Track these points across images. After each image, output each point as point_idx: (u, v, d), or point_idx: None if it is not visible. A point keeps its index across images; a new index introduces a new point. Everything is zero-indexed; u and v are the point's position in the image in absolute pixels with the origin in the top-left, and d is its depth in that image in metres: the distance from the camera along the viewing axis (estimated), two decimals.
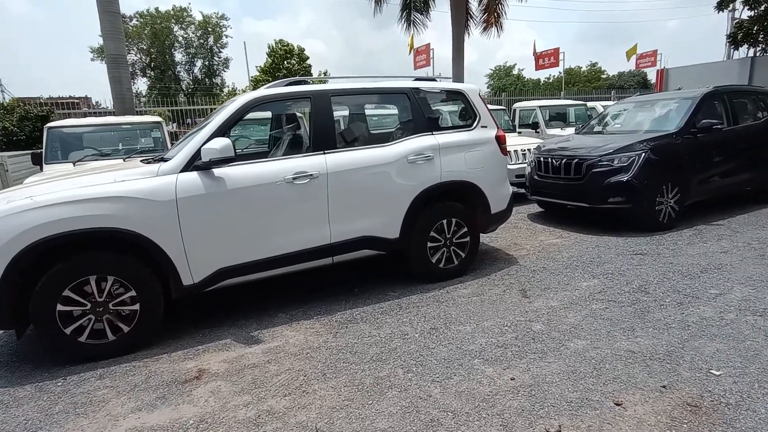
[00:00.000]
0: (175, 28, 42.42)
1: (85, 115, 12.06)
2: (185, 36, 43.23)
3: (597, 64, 53.31)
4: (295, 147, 3.72)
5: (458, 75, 13.19)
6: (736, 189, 5.90)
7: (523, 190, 6.46)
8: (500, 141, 4.00)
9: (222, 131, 3.00)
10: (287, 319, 3.22)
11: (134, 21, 40.72)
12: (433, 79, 3.94)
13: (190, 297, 3.07)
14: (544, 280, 3.73)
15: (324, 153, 3.26)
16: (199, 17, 42.33)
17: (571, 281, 3.66)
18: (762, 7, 13.25)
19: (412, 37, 15.56)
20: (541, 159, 5.73)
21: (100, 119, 6.22)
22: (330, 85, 3.47)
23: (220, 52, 44.39)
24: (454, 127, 3.88)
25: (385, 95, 3.80)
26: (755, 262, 3.90)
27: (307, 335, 2.95)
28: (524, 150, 7.22)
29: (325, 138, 3.31)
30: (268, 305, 3.47)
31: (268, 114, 8.31)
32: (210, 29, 43.16)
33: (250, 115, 6.07)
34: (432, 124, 3.71)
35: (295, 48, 39.07)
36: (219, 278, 3.00)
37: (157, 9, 41.33)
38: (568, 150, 5.54)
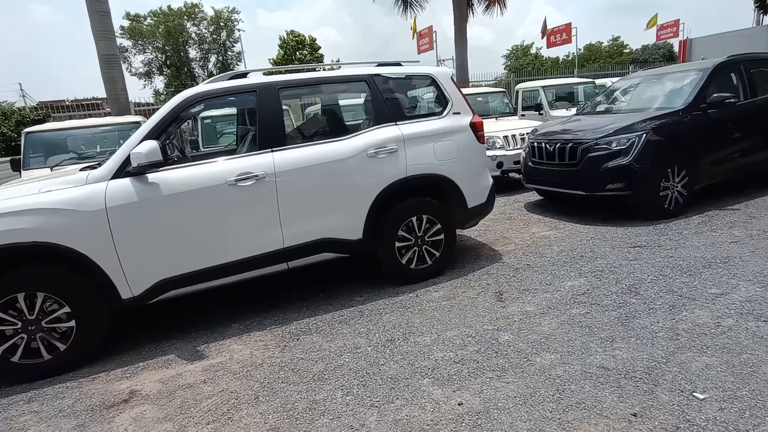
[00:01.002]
0: (188, 25, 42.73)
1: (104, 115, 12.12)
2: (198, 32, 43.54)
3: (619, 38, 50.82)
4: (252, 145, 3.47)
5: (461, 57, 12.65)
6: (756, 169, 5.34)
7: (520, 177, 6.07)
8: (476, 128, 3.65)
9: (155, 133, 2.77)
10: (239, 330, 3.01)
11: (148, 20, 41.18)
12: (398, 64, 3.60)
13: (141, 308, 2.90)
14: (525, 279, 3.40)
15: (272, 151, 3.00)
16: (210, 12, 42.41)
17: (555, 281, 3.32)
18: None
19: (415, 21, 15.01)
20: (535, 144, 5.32)
21: (79, 122, 6.14)
22: (278, 77, 3.19)
23: (232, 46, 44.61)
24: (422, 116, 3.54)
25: (342, 84, 3.49)
26: None
27: (253, 349, 2.73)
28: (522, 135, 6.77)
29: (273, 135, 3.05)
30: (226, 314, 3.28)
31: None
32: (222, 24, 43.28)
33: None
34: (396, 114, 3.39)
35: (307, 38, 38.83)
36: (162, 290, 2.81)
37: (169, 7, 41.63)
38: (562, 133, 5.11)
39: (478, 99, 7.86)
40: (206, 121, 7.18)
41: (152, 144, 2.61)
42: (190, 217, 2.79)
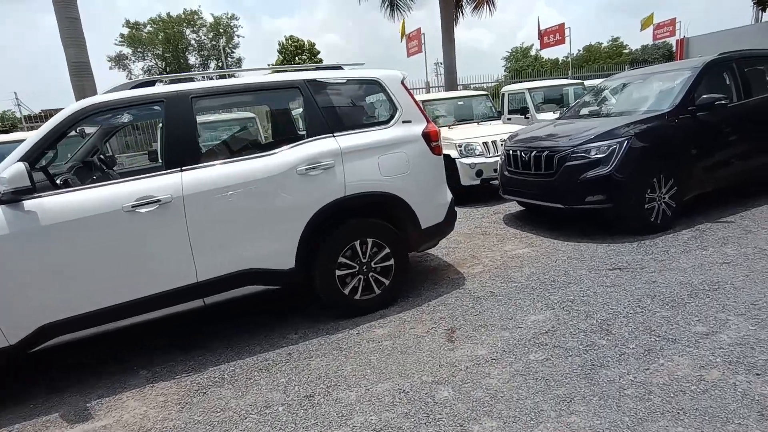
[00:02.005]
0: (187, 32, 42.89)
1: None
2: (197, 39, 43.74)
3: (619, 39, 50.44)
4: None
5: (449, 58, 12.25)
6: (752, 176, 4.89)
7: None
8: (430, 138, 3.22)
9: (33, 154, 2.37)
10: (145, 379, 2.59)
11: (148, 27, 41.27)
12: (339, 67, 3.19)
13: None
14: (484, 312, 2.96)
15: (180, 170, 2.59)
16: (210, 19, 42.52)
17: (518, 314, 2.88)
18: None
19: (403, 23, 14.64)
20: (510, 152, 4.89)
21: (24, 134, 5.77)
22: (191, 85, 2.78)
23: (232, 52, 44.73)
24: (365, 125, 3.12)
25: (270, 92, 3.08)
26: (765, 277, 3.01)
27: (149, 407, 2.31)
28: (503, 140, 6.35)
29: (184, 151, 2.63)
30: (143, 354, 2.86)
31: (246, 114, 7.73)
32: (221, 30, 43.38)
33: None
34: (333, 124, 2.97)
35: (306, 43, 38.83)
36: (46, 336, 2.39)
37: (168, 14, 41.87)
38: (539, 140, 4.68)
39: (459, 103, 7.45)
40: None
41: (18, 168, 2.19)
42: (77, 250, 2.38)
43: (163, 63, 42.42)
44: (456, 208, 3.45)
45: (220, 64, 43.94)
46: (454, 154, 6.23)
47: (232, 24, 43.92)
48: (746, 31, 15.74)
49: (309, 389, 2.31)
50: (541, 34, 16.97)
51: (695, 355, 2.22)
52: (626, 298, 2.92)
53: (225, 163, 2.71)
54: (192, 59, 43.72)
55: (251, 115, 6.95)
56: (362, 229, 3.03)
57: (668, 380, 2.06)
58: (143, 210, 2.46)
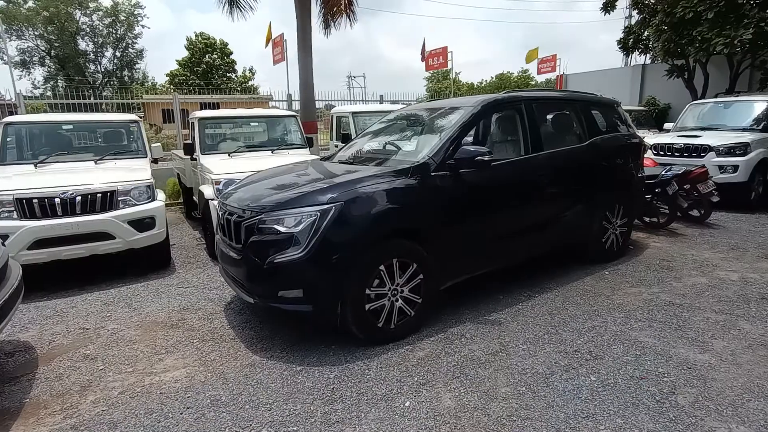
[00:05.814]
0: (78, 14, 37.92)
1: None
2: (90, 23, 38.83)
3: (527, 71, 53.97)
4: None
5: (305, 69, 10.74)
6: (535, 251, 3.83)
7: None
8: None
9: None
10: None
11: (30, 3, 35.66)
12: None
13: None
14: None
15: None
16: (107, 3, 37.98)
17: None
18: (649, 11, 11.97)
19: (270, 27, 12.97)
20: (219, 207, 3.33)
21: None
22: None
23: (134, 42, 40.14)
24: None
25: None
26: None
27: None
28: None
29: None
30: None
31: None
32: (123, 18, 38.67)
33: None
34: None
35: (218, 42, 36.15)
36: None
37: None
38: (250, 192, 3.16)
39: (253, 124, 5.83)
40: None
41: None
42: None
43: (48, 46, 37.17)
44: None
45: (118, 54, 39.14)
46: (209, 192, 4.57)
47: (135, 12, 39.36)
48: (620, 73, 16.36)
49: None
50: (427, 56, 16.33)
51: None
52: None
53: None
54: (84, 45, 38.57)
55: None
56: None
57: None
58: None
